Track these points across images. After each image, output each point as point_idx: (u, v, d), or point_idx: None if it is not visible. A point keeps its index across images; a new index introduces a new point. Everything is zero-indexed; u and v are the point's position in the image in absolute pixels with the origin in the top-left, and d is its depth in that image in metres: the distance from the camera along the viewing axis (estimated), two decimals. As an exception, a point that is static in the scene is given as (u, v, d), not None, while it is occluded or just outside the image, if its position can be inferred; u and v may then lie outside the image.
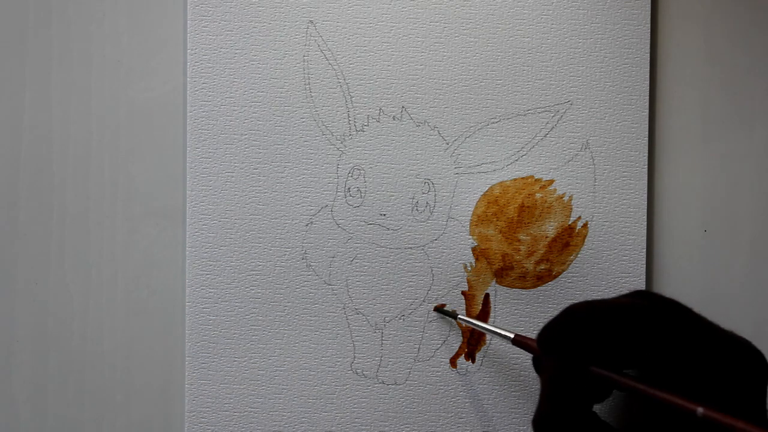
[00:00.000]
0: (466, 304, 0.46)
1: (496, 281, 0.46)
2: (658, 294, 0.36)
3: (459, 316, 0.45)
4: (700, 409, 0.29)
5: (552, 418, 0.32)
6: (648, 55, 0.46)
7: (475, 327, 0.44)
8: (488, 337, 0.46)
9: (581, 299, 0.45)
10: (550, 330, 0.34)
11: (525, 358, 0.46)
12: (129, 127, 0.46)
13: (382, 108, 0.45)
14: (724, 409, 0.28)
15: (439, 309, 0.45)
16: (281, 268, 0.45)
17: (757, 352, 0.32)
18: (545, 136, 0.46)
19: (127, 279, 0.46)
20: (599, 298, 0.38)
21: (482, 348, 0.46)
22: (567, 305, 0.34)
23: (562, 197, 0.46)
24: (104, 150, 0.46)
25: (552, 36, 0.46)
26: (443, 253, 0.45)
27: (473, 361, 0.46)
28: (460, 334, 0.46)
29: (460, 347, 0.46)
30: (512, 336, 0.39)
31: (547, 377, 0.33)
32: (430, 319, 0.46)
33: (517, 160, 0.46)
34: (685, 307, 0.34)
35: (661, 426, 0.33)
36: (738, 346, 0.32)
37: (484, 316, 0.46)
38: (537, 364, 0.37)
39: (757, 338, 0.47)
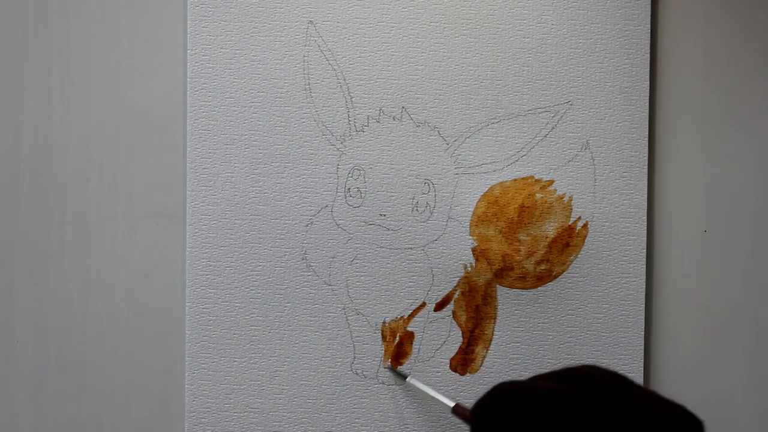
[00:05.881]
0: (466, 303, 0.46)
1: (497, 282, 0.46)
2: (597, 371, 0.35)
3: (408, 378, 0.45)
4: None
5: None
6: (648, 55, 0.46)
7: (424, 390, 0.44)
8: (487, 337, 0.46)
9: (582, 300, 0.45)
10: (482, 410, 0.34)
11: (525, 360, 0.46)
12: (129, 127, 0.46)
13: (382, 108, 0.45)
14: None
15: (391, 369, 0.45)
16: (281, 268, 0.45)
17: (696, 422, 0.33)
18: (545, 137, 0.46)
19: (127, 279, 0.46)
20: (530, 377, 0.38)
21: (483, 349, 0.46)
22: (496, 384, 0.34)
23: (562, 197, 0.46)
24: (104, 150, 0.46)
25: (552, 36, 0.46)
26: (443, 253, 0.45)
27: (472, 362, 0.46)
28: (461, 335, 0.46)
29: (459, 348, 0.46)
30: (452, 405, 0.41)
31: None
32: (430, 320, 0.46)
33: (517, 161, 0.46)
34: (625, 381, 0.34)
35: None
36: (676, 418, 0.32)
37: (482, 313, 0.46)
38: None
39: (757, 338, 0.47)
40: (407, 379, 0.45)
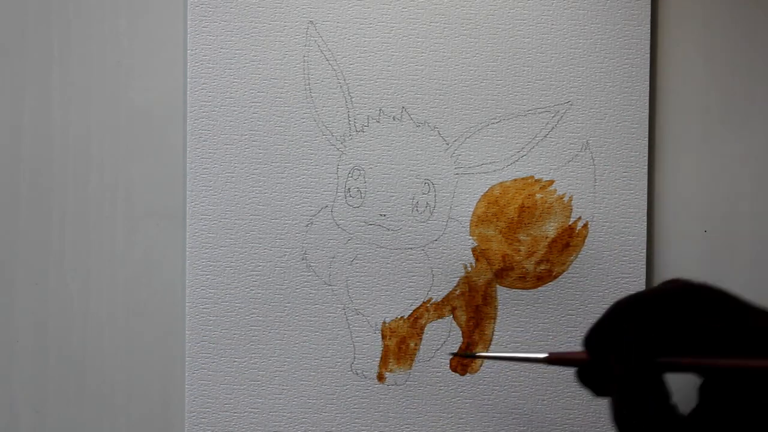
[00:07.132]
0: (466, 303, 0.46)
1: (497, 282, 0.46)
2: (688, 280, 0.34)
3: (477, 353, 0.45)
4: None
5: (641, 419, 0.31)
6: (648, 55, 0.46)
7: (502, 360, 0.44)
8: (487, 337, 0.46)
9: (582, 300, 0.45)
10: (605, 329, 0.33)
11: (525, 358, 0.46)
12: (129, 127, 0.46)
13: (382, 108, 0.45)
14: None
15: (457, 353, 0.45)
16: (281, 268, 0.45)
17: None
18: (545, 137, 0.46)
19: (127, 279, 0.46)
20: (637, 292, 0.36)
21: (483, 349, 0.46)
22: (613, 304, 0.33)
23: (562, 198, 0.46)
24: (104, 150, 0.46)
25: (552, 36, 0.46)
26: (443, 253, 0.45)
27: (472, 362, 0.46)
28: (461, 335, 0.46)
29: (459, 348, 0.46)
30: (546, 355, 0.35)
31: (619, 377, 0.31)
32: (430, 320, 0.46)
33: (517, 161, 0.46)
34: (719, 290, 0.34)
35: (735, 405, 0.31)
36: None
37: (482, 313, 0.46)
38: (585, 374, 0.34)
39: (756, 338, 0.47)
40: (476, 353, 0.45)
